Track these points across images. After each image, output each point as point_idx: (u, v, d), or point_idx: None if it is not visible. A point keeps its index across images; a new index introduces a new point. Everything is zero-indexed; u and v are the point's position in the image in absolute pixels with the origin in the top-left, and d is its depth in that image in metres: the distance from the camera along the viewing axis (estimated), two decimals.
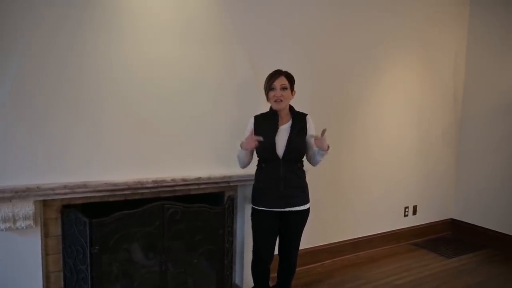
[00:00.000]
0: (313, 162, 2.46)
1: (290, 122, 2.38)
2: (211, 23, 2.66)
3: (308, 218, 2.45)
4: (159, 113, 2.45)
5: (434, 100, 4.25)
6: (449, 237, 4.45)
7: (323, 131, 2.23)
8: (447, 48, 4.28)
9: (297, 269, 2.58)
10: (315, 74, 3.29)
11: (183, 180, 2.43)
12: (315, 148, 2.34)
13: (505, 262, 3.75)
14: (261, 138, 2.24)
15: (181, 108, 2.52)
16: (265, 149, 2.33)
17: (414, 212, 4.24)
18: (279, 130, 2.34)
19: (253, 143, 2.25)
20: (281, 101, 2.32)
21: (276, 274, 2.59)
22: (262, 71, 2.48)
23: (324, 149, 2.28)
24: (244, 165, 2.45)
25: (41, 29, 2.12)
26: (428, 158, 4.29)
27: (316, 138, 2.27)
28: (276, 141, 2.31)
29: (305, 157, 2.45)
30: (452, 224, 4.58)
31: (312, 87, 3.24)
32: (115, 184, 2.22)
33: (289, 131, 2.34)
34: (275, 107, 2.36)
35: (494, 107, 4.16)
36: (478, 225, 4.32)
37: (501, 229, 4.10)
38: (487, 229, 4.23)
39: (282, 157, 2.30)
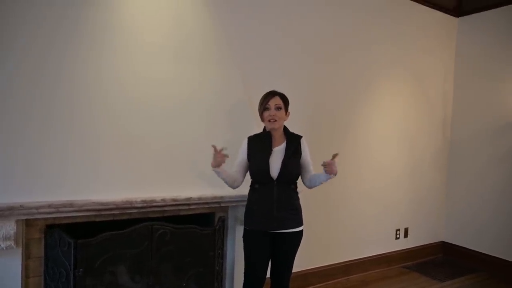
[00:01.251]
0: (311, 185, 2.43)
1: (284, 144, 2.35)
2: (206, 44, 2.66)
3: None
4: (150, 132, 2.41)
5: (423, 125, 4.29)
6: (440, 260, 4.42)
7: (335, 155, 2.22)
8: (436, 74, 4.36)
9: None
10: (306, 94, 3.30)
11: (173, 200, 2.36)
12: (313, 173, 2.35)
13: (497, 286, 3.72)
14: (224, 151, 2.18)
15: (172, 128, 2.48)
16: (258, 171, 2.30)
17: (406, 235, 4.21)
18: (273, 152, 2.31)
19: (220, 159, 2.19)
20: (276, 120, 2.29)
21: None
22: (256, 93, 2.46)
23: (333, 173, 2.25)
24: (233, 186, 2.39)
25: (32, 45, 2.09)
26: (418, 181, 4.29)
27: (327, 163, 2.22)
28: (270, 163, 2.27)
29: (300, 178, 2.42)
30: (443, 247, 4.56)
31: (303, 106, 3.23)
32: (102, 204, 2.15)
33: (283, 153, 2.31)
34: (269, 127, 2.33)
35: (483, 131, 4.22)
36: (469, 248, 4.31)
37: (491, 252, 4.09)
38: (478, 252, 4.21)
39: (276, 179, 2.26)
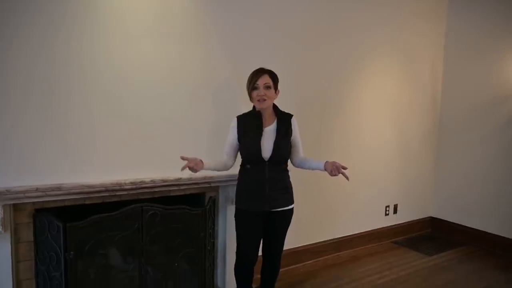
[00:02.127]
0: (299, 166, 2.44)
1: (275, 123, 2.33)
2: (191, 20, 2.60)
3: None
4: (137, 112, 2.37)
5: (413, 102, 4.30)
6: (429, 235, 4.51)
7: (345, 168, 2.22)
8: (425, 51, 4.34)
9: (280, 270, 2.55)
10: (296, 72, 3.26)
11: (163, 181, 2.35)
12: (301, 153, 2.39)
13: (483, 258, 3.82)
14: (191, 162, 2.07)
15: (160, 108, 2.45)
16: (250, 153, 2.28)
17: (395, 211, 4.28)
18: (264, 132, 2.28)
19: (196, 166, 2.09)
20: (265, 100, 2.25)
21: (259, 276, 2.55)
22: (244, 70, 2.42)
23: (333, 175, 2.25)
24: (225, 169, 2.38)
25: (21, 27, 2.02)
26: (408, 159, 4.33)
27: (337, 166, 2.22)
28: (262, 144, 2.25)
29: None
30: (432, 222, 4.65)
31: (294, 88, 3.20)
32: (91, 186, 2.13)
33: (274, 134, 2.28)
34: (258, 106, 2.30)
35: (472, 108, 4.24)
36: (457, 222, 4.40)
37: (478, 226, 4.18)
38: (465, 226, 4.30)
39: (268, 160, 2.25)
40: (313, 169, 2.37)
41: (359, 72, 3.75)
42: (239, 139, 2.34)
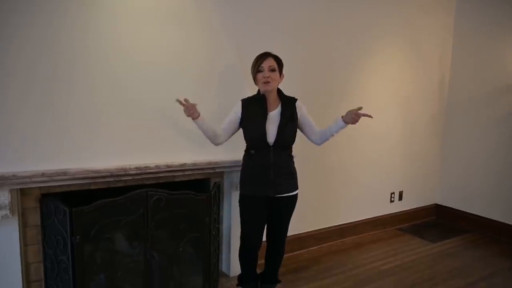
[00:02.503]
0: (321, 140, 2.39)
1: (279, 108, 2.31)
2: (196, 5, 2.56)
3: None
4: (142, 97, 2.37)
5: (420, 87, 4.25)
6: (434, 222, 4.51)
7: (360, 108, 2.22)
8: (434, 36, 4.27)
9: (284, 256, 2.56)
10: (302, 58, 3.23)
11: (168, 166, 2.36)
12: (318, 129, 2.35)
13: (487, 246, 3.81)
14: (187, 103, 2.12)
15: (165, 93, 2.44)
16: (255, 137, 2.27)
17: (400, 198, 4.27)
18: (268, 117, 2.28)
19: (193, 109, 2.13)
20: (269, 82, 2.24)
21: (263, 261, 2.57)
22: (249, 55, 2.40)
23: (354, 123, 2.25)
24: (214, 141, 2.30)
25: (28, 12, 2.00)
26: (414, 145, 4.30)
27: (356, 113, 2.22)
28: (266, 129, 2.25)
29: (305, 135, 2.43)
30: (437, 209, 4.64)
31: (299, 72, 3.18)
32: (96, 171, 2.14)
33: (279, 118, 2.28)
34: (263, 89, 2.29)
35: (480, 96, 4.19)
36: (462, 210, 4.38)
37: (483, 213, 4.17)
38: (470, 213, 4.29)
39: (273, 144, 2.25)
40: (334, 132, 2.33)
41: (366, 57, 3.70)
42: (242, 123, 2.33)
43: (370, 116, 2.20)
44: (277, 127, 2.25)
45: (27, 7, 2.00)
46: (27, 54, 2.02)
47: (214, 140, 2.31)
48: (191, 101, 2.14)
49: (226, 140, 2.36)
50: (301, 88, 3.12)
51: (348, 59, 3.56)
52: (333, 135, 2.34)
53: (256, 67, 2.26)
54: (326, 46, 3.39)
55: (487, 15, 4.08)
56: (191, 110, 2.13)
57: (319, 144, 2.43)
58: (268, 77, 2.23)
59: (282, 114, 2.29)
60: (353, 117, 2.22)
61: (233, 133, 2.38)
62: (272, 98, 2.33)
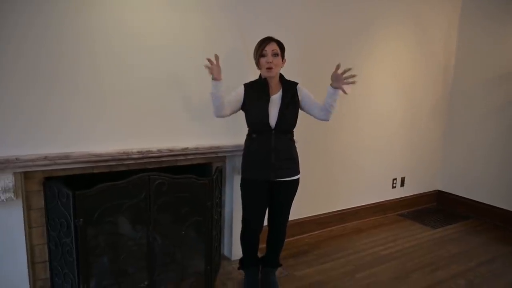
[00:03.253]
0: (327, 115, 2.32)
1: (280, 92, 2.31)
2: None
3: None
4: (144, 81, 2.36)
5: (424, 74, 4.21)
6: (435, 208, 4.53)
7: (338, 66, 2.15)
8: (440, 21, 4.21)
9: (285, 240, 2.59)
10: (305, 44, 3.20)
11: (170, 150, 2.37)
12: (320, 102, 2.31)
13: (488, 232, 3.83)
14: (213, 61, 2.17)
15: (167, 77, 2.43)
16: (257, 121, 2.27)
17: (402, 184, 4.28)
18: (270, 100, 2.28)
19: (218, 68, 2.18)
20: (272, 68, 2.24)
21: (265, 245, 2.59)
22: (251, 39, 2.38)
23: (339, 87, 2.18)
24: (218, 112, 2.27)
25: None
26: (417, 131, 4.29)
27: (335, 75, 2.17)
28: (268, 112, 2.25)
29: (313, 116, 2.40)
30: (438, 196, 4.66)
31: (301, 58, 3.15)
32: (98, 155, 2.15)
33: (280, 102, 2.28)
34: (265, 74, 2.29)
35: (484, 82, 4.15)
36: (463, 196, 4.39)
37: (485, 200, 4.18)
38: (471, 200, 4.31)
39: (274, 128, 2.25)
40: (334, 101, 2.25)
41: (370, 42, 3.66)
42: (244, 107, 2.33)
43: (353, 77, 2.14)
44: (278, 110, 2.25)
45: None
46: (30, 38, 2.01)
47: (220, 111, 2.27)
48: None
49: (229, 115, 2.33)
50: (303, 74, 3.09)
51: (352, 46, 3.53)
52: (332, 105, 2.27)
53: (259, 52, 2.25)
54: (330, 32, 3.36)
55: (494, 1, 4.01)
56: (215, 71, 2.17)
57: (327, 120, 2.37)
58: (271, 62, 2.23)
59: (283, 97, 2.29)
60: (336, 78, 2.17)
61: (234, 111, 2.34)
62: (274, 83, 2.33)
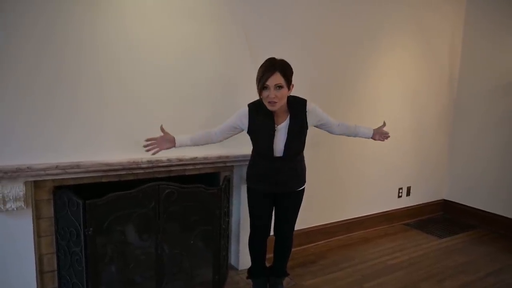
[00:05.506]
0: (340, 133, 2.45)
1: (287, 121, 2.17)
2: (207, 2, 2.56)
3: (303, 199, 2.43)
4: (154, 92, 2.38)
5: (429, 83, 4.22)
6: (441, 218, 4.50)
7: (384, 124, 2.53)
8: (444, 30, 4.23)
9: (292, 249, 2.58)
10: (311, 56, 3.22)
11: (179, 160, 2.37)
12: (336, 122, 2.39)
13: (495, 241, 3.81)
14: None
15: (176, 88, 2.45)
16: (263, 151, 2.24)
17: (408, 193, 4.27)
18: (276, 130, 2.17)
19: (165, 138, 2.11)
20: (275, 102, 2.04)
21: (272, 255, 2.59)
22: (260, 52, 2.40)
23: (375, 139, 2.55)
24: (212, 142, 2.27)
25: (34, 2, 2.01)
26: (422, 140, 4.29)
27: (382, 132, 2.53)
28: (274, 144, 2.18)
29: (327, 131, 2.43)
30: (444, 205, 4.64)
31: (308, 69, 3.17)
32: (108, 164, 2.16)
33: (286, 132, 2.17)
34: (269, 108, 2.10)
35: (488, 90, 4.16)
36: (470, 205, 4.38)
37: (491, 209, 4.16)
38: (477, 209, 4.29)
39: (281, 157, 2.22)
40: (360, 137, 2.51)
41: (376, 51, 3.68)
42: (249, 131, 2.25)
43: (387, 137, 2.59)
44: (285, 140, 2.18)
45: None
46: (42, 45, 2.03)
47: (209, 142, 2.26)
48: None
49: (224, 139, 2.30)
50: (309, 85, 3.12)
51: (357, 54, 3.55)
52: (355, 136, 2.50)
53: (261, 83, 2.03)
54: (336, 42, 3.38)
55: (498, 7, 4.04)
56: (162, 145, 2.10)
57: (337, 134, 2.46)
58: (274, 97, 2.03)
59: (291, 125, 2.17)
60: (380, 134, 2.52)
61: (229, 136, 2.30)
62: (281, 111, 2.16)
